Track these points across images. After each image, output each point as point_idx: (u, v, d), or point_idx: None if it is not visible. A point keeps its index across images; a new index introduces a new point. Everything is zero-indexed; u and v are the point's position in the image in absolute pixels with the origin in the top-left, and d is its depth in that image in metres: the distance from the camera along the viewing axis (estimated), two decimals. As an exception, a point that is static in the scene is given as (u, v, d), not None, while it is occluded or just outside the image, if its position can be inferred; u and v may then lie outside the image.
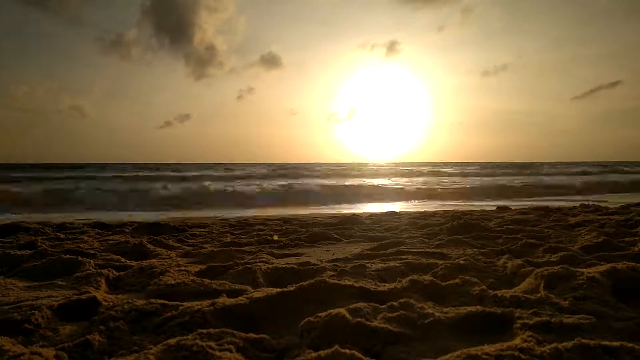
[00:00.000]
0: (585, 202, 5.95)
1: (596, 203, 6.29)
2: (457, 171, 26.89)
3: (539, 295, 1.38)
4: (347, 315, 1.17)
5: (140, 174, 22.64)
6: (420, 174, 24.84)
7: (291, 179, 17.38)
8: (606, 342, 0.97)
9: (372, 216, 4.73)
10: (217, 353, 0.97)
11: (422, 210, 6.63)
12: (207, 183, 13.78)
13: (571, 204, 6.42)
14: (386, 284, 1.62)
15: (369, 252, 2.51)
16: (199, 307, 1.30)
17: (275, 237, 3.33)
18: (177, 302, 1.39)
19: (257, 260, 2.21)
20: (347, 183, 14.97)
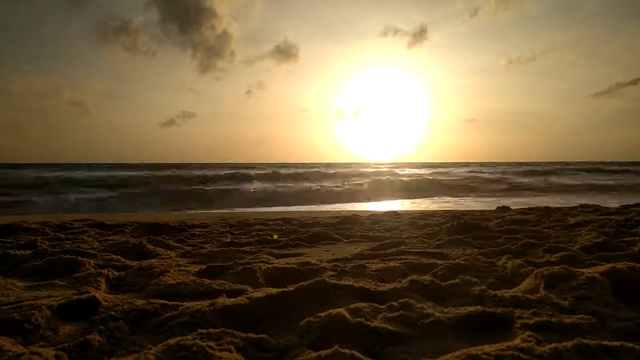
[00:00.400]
0: (586, 203, 5.95)
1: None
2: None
3: (539, 295, 1.38)
4: (347, 315, 1.17)
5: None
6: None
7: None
8: (606, 342, 0.97)
9: (372, 216, 4.73)
10: (217, 353, 0.97)
11: (422, 210, 6.62)
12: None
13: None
14: (386, 284, 1.62)
15: (369, 252, 2.51)
16: (199, 307, 1.30)
17: (275, 237, 3.33)
18: (177, 302, 1.39)
19: (257, 260, 2.21)
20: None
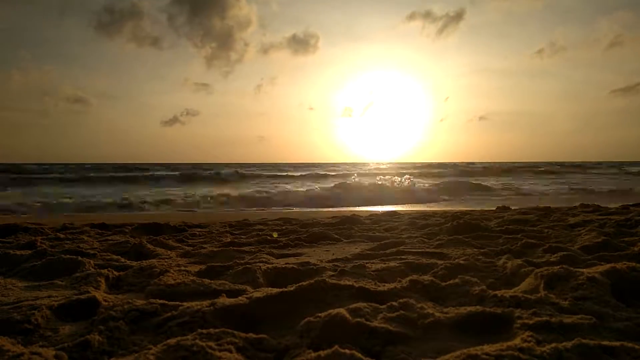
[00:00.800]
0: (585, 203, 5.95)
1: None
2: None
3: (539, 295, 1.38)
4: (347, 315, 1.17)
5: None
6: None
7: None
8: (606, 342, 0.97)
9: (372, 216, 4.73)
10: (217, 353, 0.97)
11: (422, 210, 6.63)
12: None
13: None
14: (386, 284, 1.62)
15: (368, 252, 2.51)
16: (199, 307, 1.30)
17: (275, 235, 3.34)
18: (177, 302, 1.39)
19: (257, 260, 2.21)
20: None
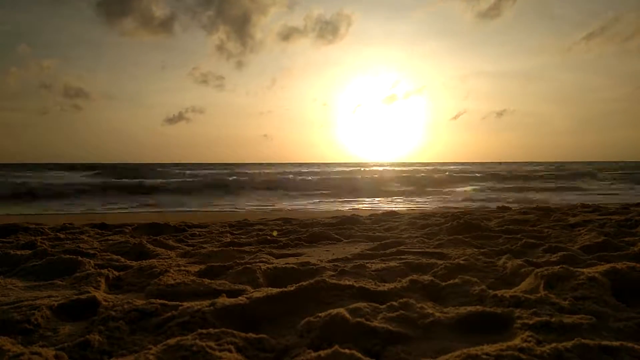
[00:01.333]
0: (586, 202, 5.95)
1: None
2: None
3: (539, 295, 1.38)
4: (347, 315, 1.17)
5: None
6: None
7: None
8: (606, 342, 0.97)
9: (372, 216, 4.73)
10: (217, 353, 0.97)
11: (422, 210, 6.63)
12: None
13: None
14: (386, 284, 1.62)
15: (369, 252, 2.51)
16: (199, 307, 1.30)
17: (275, 233, 3.34)
18: (177, 302, 1.39)
19: (257, 260, 2.21)
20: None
